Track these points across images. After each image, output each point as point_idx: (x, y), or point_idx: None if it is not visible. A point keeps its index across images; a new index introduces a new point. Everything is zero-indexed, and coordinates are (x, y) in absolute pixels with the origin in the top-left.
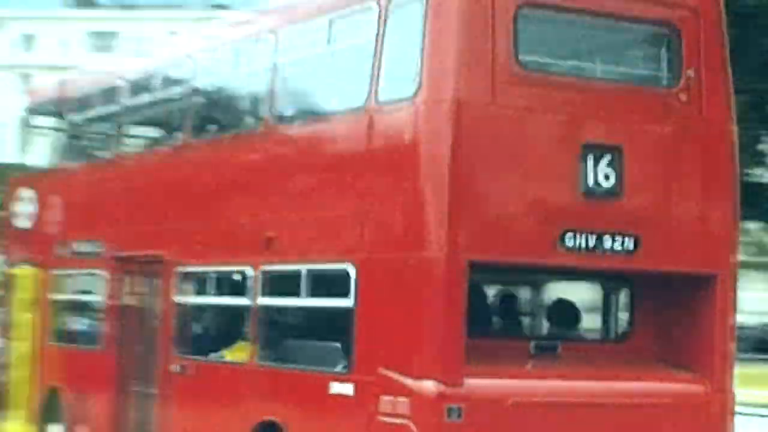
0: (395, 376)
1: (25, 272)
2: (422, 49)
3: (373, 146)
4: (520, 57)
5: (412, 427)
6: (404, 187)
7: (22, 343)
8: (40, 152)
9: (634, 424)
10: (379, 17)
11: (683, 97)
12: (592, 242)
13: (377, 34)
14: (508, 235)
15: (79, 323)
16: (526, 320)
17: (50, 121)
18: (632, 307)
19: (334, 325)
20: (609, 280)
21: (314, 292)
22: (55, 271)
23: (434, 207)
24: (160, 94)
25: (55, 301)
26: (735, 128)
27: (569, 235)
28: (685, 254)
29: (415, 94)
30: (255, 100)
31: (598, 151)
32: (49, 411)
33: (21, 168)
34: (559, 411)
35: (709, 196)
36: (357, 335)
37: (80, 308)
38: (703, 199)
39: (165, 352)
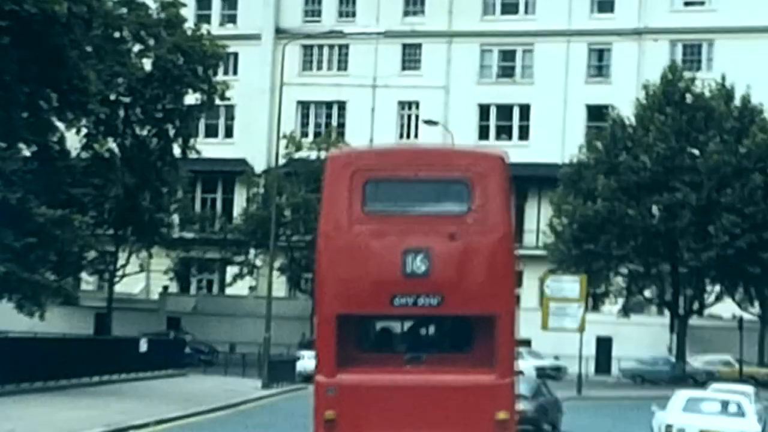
0: (317, 375)
1: None
2: (321, 205)
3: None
4: (366, 206)
5: (319, 397)
6: (317, 275)
7: None
8: None
9: (448, 399)
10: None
11: (471, 219)
12: (411, 301)
13: None
14: (361, 298)
15: None
16: (404, 342)
17: None
18: (477, 333)
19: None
20: (457, 319)
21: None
22: None
23: (321, 286)
24: None
25: None
26: (511, 234)
27: (397, 297)
28: (476, 304)
29: (319, 229)
30: None
31: (414, 252)
32: None
33: None
34: (399, 392)
35: (491, 273)
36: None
37: None
38: (487, 275)
39: None
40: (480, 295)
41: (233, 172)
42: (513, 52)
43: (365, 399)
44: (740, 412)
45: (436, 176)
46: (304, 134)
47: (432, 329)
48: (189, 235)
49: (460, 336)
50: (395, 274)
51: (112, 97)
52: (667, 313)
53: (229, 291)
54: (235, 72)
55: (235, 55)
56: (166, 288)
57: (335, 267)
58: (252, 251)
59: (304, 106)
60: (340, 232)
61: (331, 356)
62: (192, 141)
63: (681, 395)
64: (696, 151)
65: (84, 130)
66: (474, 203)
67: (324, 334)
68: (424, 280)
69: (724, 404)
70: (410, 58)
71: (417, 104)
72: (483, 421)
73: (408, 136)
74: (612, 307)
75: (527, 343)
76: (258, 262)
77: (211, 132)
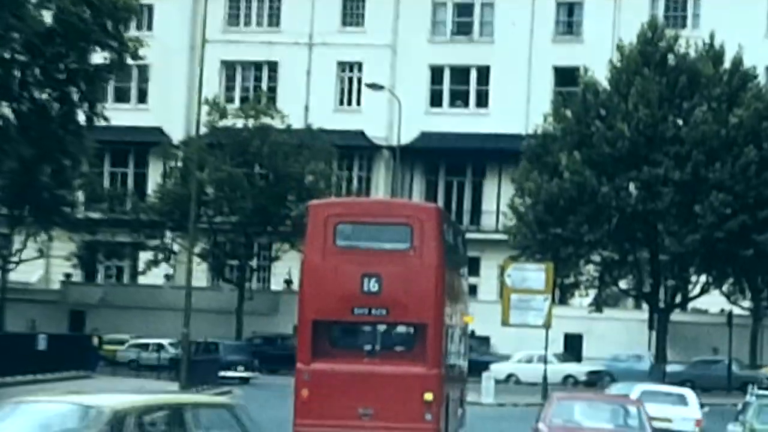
0: (297, 363)
1: None
2: (305, 240)
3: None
4: (337, 242)
5: (298, 380)
6: (300, 291)
7: None
8: None
9: (391, 383)
10: None
11: (412, 253)
12: (366, 311)
13: None
14: (330, 308)
15: None
16: (366, 341)
17: None
18: (414, 336)
19: None
20: (400, 325)
21: None
22: None
23: (302, 299)
24: None
25: None
26: (442, 265)
27: (356, 309)
28: (412, 315)
29: (304, 258)
30: None
31: (369, 276)
32: None
33: None
34: (355, 376)
35: (424, 294)
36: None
37: None
38: (422, 294)
39: None
40: (415, 309)
41: (147, 142)
42: (470, 6)
43: (332, 381)
44: (686, 403)
45: (388, 221)
46: (230, 99)
47: (383, 333)
48: (96, 215)
49: (402, 338)
50: (355, 291)
51: (6, 55)
52: (645, 306)
53: (142, 280)
54: (149, 27)
55: (150, 7)
56: (68, 276)
57: (313, 285)
58: (168, 234)
59: (229, 66)
60: (318, 260)
61: (307, 349)
62: (99, 107)
63: (638, 388)
64: (680, 121)
65: None
66: (414, 242)
67: (303, 333)
68: (376, 297)
69: (680, 397)
70: (352, 13)
71: (360, 66)
72: (415, 400)
73: (349, 102)
74: (583, 300)
75: (486, 340)
76: (176, 247)
77: (121, 96)
